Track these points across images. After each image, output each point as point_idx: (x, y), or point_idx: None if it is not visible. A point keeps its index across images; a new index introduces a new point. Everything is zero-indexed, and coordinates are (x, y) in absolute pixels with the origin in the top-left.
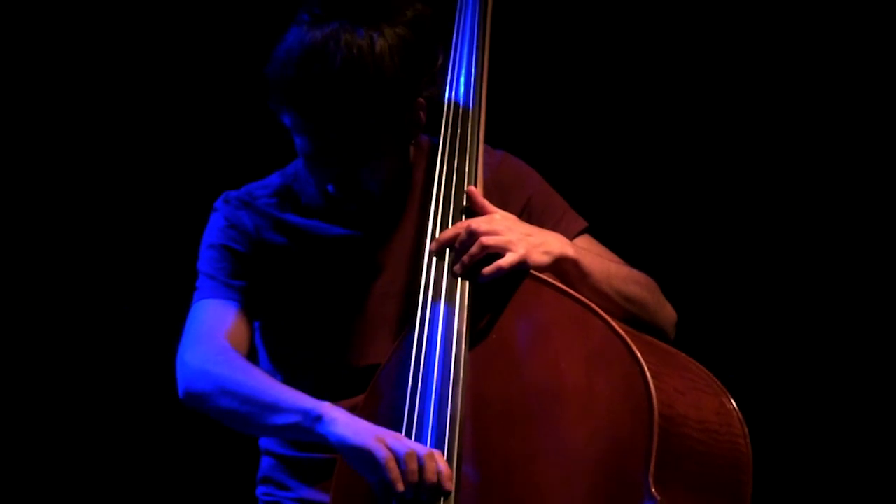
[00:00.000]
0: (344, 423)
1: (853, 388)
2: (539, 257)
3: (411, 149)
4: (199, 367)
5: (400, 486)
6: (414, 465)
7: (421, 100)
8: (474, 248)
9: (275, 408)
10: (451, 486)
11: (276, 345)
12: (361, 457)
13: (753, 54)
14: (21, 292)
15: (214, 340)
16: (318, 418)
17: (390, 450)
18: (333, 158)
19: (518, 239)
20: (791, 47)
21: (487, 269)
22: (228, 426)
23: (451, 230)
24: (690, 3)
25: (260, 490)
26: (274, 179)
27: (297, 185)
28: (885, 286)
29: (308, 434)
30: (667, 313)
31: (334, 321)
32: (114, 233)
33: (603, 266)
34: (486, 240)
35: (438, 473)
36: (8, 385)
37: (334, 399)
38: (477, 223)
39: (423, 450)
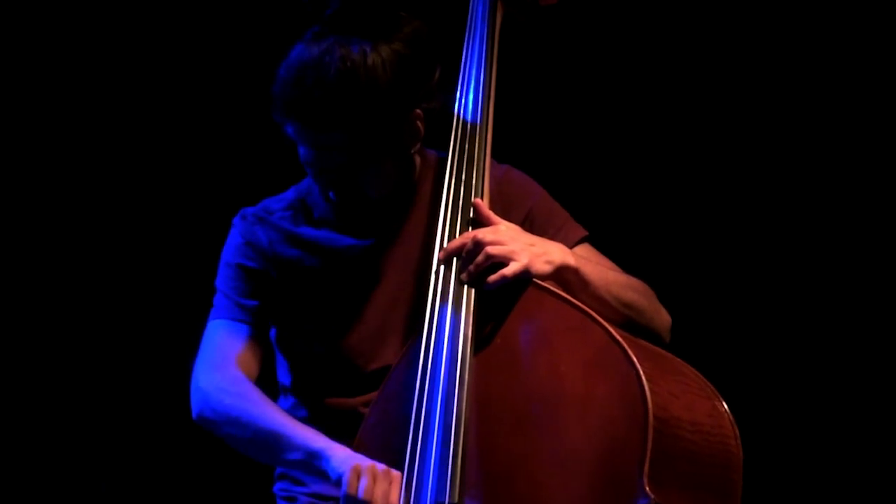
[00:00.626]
0: (338, 459)
1: (842, 391)
2: (541, 266)
3: (417, 161)
4: (212, 396)
5: None
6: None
7: (418, 111)
8: (480, 258)
9: (283, 444)
10: None
11: (291, 350)
12: (339, 484)
13: (744, 73)
14: (45, 305)
15: (228, 368)
16: (319, 456)
17: (358, 482)
18: (332, 165)
19: (521, 249)
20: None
21: (493, 278)
22: (239, 452)
23: (458, 240)
24: (692, 27)
25: (277, 486)
26: (289, 194)
27: (311, 198)
28: (871, 290)
29: (310, 469)
30: (662, 318)
31: (346, 327)
32: (136, 243)
33: (602, 274)
34: (491, 249)
35: None
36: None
37: (348, 397)
38: (483, 234)
39: (380, 491)
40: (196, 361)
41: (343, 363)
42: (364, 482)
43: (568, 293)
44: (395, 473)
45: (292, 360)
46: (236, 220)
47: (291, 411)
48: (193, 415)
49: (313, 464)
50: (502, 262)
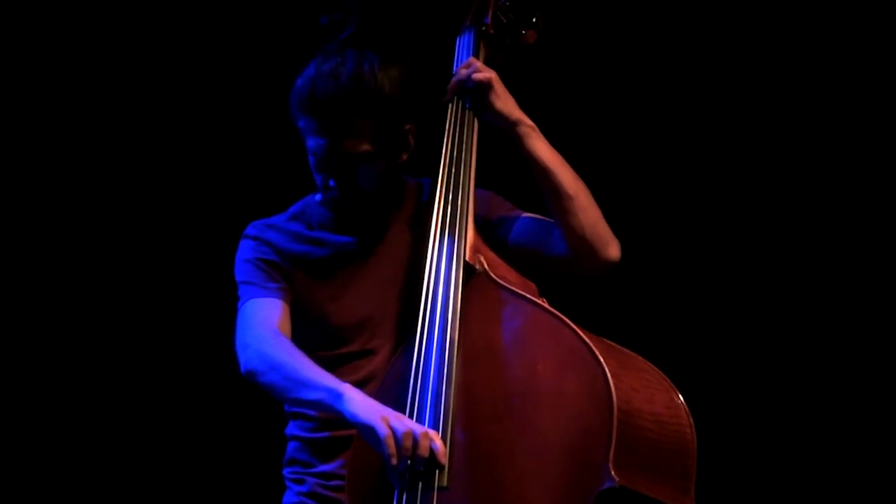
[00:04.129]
0: (357, 402)
1: (783, 387)
2: (503, 93)
3: (404, 181)
4: (255, 348)
5: (394, 461)
6: (409, 443)
7: (410, 126)
8: (468, 83)
9: (307, 385)
10: (444, 460)
11: (303, 332)
12: (368, 432)
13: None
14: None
15: (267, 327)
16: (339, 397)
17: (391, 428)
18: (337, 155)
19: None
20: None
21: (477, 76)
22: (274, 398)
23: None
24: (662, 68)
25: (286, 471)
26: (290, 210)
27: (308, 210)
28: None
29: (329, 409)
30: (608, 227)
31: (343, 310)
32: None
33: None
34: (476, 75)
35: (431, 450)
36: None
37: (351, 374)
38: (477, 66)
39: (419, 429)
40: (237, 332)
41: (342, 341)
42: (397, 423)
43: (531, 147)
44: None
45: (303, 342)
46: (247, 230)
47: None
48: (242, 370)
49: (331, 403)
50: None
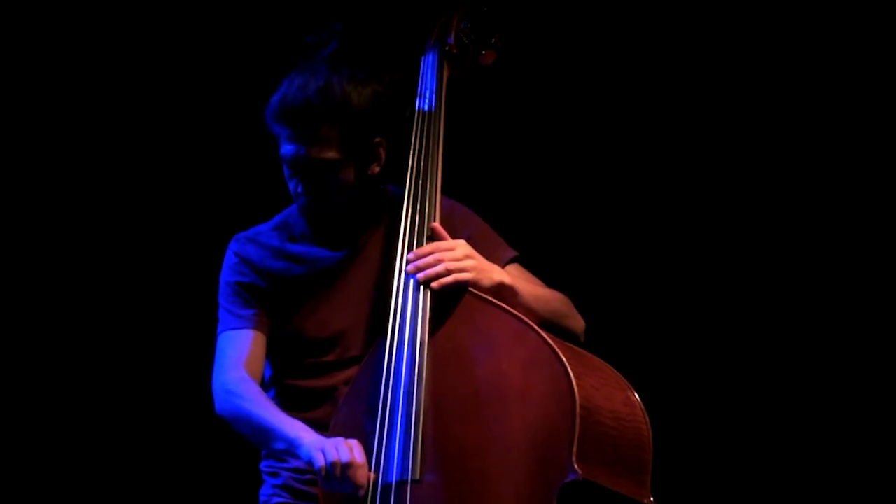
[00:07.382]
0: (306, 444)
1: (734, 385)
2: (485, 281)
3: (382, 191)
4: (223, 397)
5: (324, 486)
6: (336, 472)
7: (380, 139)
8: (439, 268)
9: (272, 437)
10: (360, 485)
11: (276, 347)
12: (310, 466)
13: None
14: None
15: (235, 371)
16: (296, 445)
17: (325, 458)
18: (305, 161)
19: (472, 266)
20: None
21: (446, 280)
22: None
23: (426, 248)
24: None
25: (263, 464)
26: (274, 219)
27: (291, 220)
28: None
29: (292, 455)
30: (578, 322)
31: (322, 324)
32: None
33: (531, 289)
34: (449, 264)
35: (351, 477)
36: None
37: (321, 384)
38: (444, 247)
39: (345, 458)
40: (213, 367)
41: (318, 353)
42: (329, 453)
43: (515, 305)
44: (353, 440)
45: (276, 356)
46: (231, 243)
47: (275, 400)
48: (216, 411)
49: (293, 451)
50: (455, 272)
